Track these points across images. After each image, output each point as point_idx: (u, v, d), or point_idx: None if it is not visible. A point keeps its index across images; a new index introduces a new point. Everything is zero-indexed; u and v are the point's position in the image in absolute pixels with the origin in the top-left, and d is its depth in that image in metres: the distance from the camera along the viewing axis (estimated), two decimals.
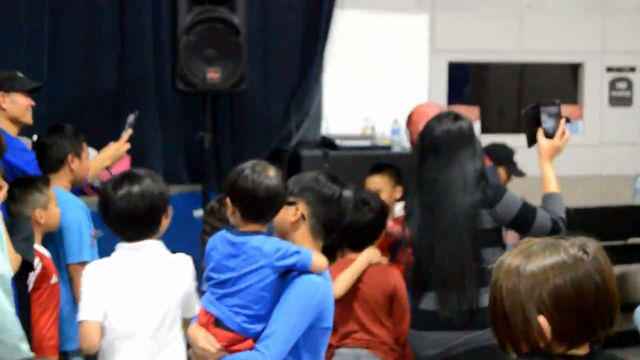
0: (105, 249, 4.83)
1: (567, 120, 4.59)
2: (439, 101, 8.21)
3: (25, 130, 5.70)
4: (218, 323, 3.43)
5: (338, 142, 7.47)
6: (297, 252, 3.37)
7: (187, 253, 4.01)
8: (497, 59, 8.76)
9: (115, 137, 5.65)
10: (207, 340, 3.41)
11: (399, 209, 5.73)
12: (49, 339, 4.49)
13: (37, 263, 4.45)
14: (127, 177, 3.91)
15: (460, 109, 8.43)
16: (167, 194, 3.96)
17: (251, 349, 3.38)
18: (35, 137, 5.26)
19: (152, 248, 3.90)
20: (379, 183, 5.70)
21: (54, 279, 4.58)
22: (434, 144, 4.49)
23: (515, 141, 6.96)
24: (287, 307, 3.37)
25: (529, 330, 2.21)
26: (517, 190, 6.53)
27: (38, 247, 4.56)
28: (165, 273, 3.90)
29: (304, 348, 3.43)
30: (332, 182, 3.53)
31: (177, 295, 3.89)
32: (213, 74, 6.66)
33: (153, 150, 7.13)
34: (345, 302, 4.83)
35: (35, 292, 4.48)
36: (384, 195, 5.55)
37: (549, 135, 4.53)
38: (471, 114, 8.49)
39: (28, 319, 4.37)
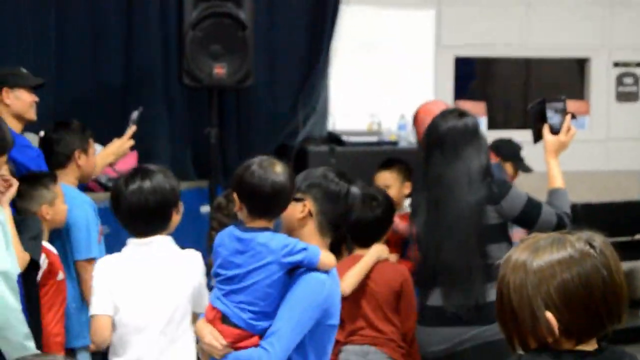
0: (111, 246, 4.84)
1: (573, 116, 4.61)
2: (445, 96, 8.21)
3: (32, 126, 5.71)
4: (225, 319, 3.43)
5: (344, 137, 7.46)
6: (305, 249, 3.37)
7: (194, 249, 4.03)
8: (503, 54, 8.74)
9: (122, 133, 5.66)
10: (213, 336, 3.42)
11: (408, 204, 5.73)
12: (55, 335, 4.50)
13: (43, 259, 4.46)
14: (139, 172, 3.94)
15: (466, 104, 8.43)
16: (178, 189, 3.98)
17: (257, 346, 3.38)
18: (42, 133, 5.27)
19: (162, 244, 3.93)
20: (387, 178, 5.70)
21: (61, 276, 4.59)
22: (440, 140, 4.51)
23: (522, 136, 6.94)
24: (292, 305, 3.37)
25: (536, 325, 2.21)
26: (524, 186, 6.53)
27: (44, 243, 4.57)
28: (175, 268, 3.91)
29: (310, 345, 3.43)
30: (339, 179, 3.54)
31: (186, 291, 3.90)
32: (219, 70, 6.65)
33: (159, 145, 7.13)
34: (353, 299, 4.83)
35: (42, 289, 4.49)
36: (393, 191, 5.55)
37: (555, 131, 4.56)
38: (477, 109, 8.48)
39: (38, 317, 4.38)
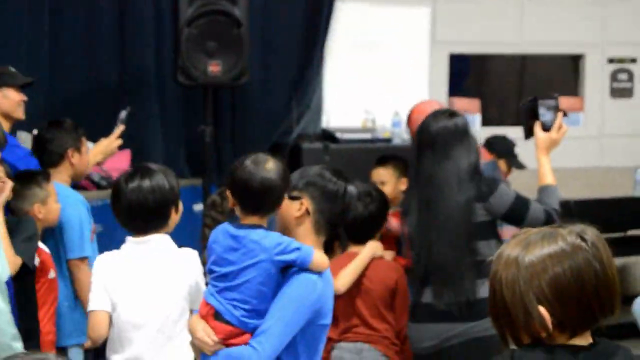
0: (105, 244, 4.84)
1: (565, 114, 4.67)
2: (440, 93, 8.22)
3: (26, 125, 5.71)
4: (217, 315, 3.43)
5: (339, 135, 7.47)
6: (298, 249, 3.37)
7: (187, 247, 4.03)
8: (498, 51, 8.75)
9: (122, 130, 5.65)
10: (205, 332, 3.42)
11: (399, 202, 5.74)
12: (46, 333, 4.49)
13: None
14: (139, 171, 3.97)
15: (461, 101, 8.44)
16: (177, 189, 4.01)
17: (248, 344, 3.38)
18: (35, 132, 5.26)
19: (159, 242, 3.95)
20: (383, 175, 5.71)
21: (52, 274, 4.58)
22: (430, 140, 4.57)
23: (516, 133, 6.93)
24: (283, 304, 3.37)
25: (529, 321, 2.21)
26: (518, 183, 6.54)
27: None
28: (172, 267, 3.93)
29: (301, 344, 3.42)
30: (337, 177, 3.54)
31: (183, 289, 3.91)
32: (214, 67, 6.65)
33: (154, 143, 7.13)
34: (348, 297, 4.84)
35: None
36: (388, 187, 5.56)
37: (547, 128, 4.62)
38: (472, 106, 8.48)
39: (35, 319, 4.39)
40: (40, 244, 4.60)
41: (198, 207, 6.50)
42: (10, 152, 4.83)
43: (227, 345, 3.40)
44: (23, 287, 4.31)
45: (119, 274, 3.93)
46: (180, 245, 4.01)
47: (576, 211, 6.36)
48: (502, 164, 6.97)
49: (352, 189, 3.55)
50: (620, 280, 2.28)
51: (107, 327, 3.93)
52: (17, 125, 5.57)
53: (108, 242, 4.76)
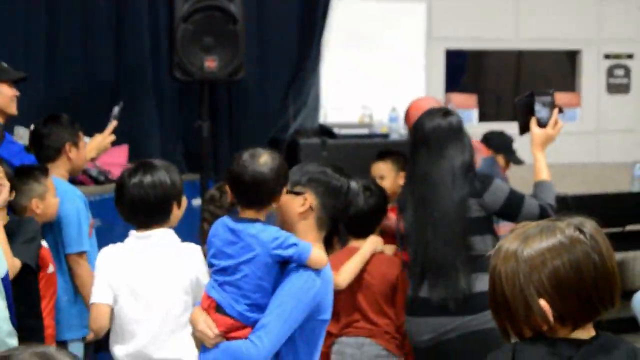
0: (103, 238, 4.84)
1: (560, 110, 4.70)
2: (436, 89, 8.22)
3: (23, 121, 5.70)
4: (219, 308, 3.43)
5: (336, 130, 7.47)
6: (295, 245, 3.36)
7: (186, 242, 4.05)
8: (495, 47, 8.75)
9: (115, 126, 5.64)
10: (206, 324, 3.42)
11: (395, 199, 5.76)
12: (46, 327, 4.50)
13: None
14: (142, 166, 4.01)
15: (457, 96, 8.44)
16: (180, 185, 4.04)
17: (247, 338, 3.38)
18: (32, 127, 5.26)
19: (162, 237, 3.98)
20: (382, 169, 5.71)
21: (51, 269, 4.59)
22: (425, 139, 4.62)
23: (513, 129, 6.92)
24: (282, 300, 3.37)
25: (530, 314, 2.21)
26: (515, 178, 6.55)
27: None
28: (174, 261, 3.96)
29: (300, 339, 3.43)
30: (339, 174, 3.55)
31: (185, 283, 3.93)
32: (211, 63, 6.64)
33: (151, 139, 7.12)
34: (349, 292, 4.85)
35: None
36: (387, 182, 5.56)
37: (542, 124, 4.65)
38: (469, 101, 8.49)
39: (39, 316, 4.40)
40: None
41: (196, 202, 6.50)
42: (5, 148, 4.83)
43: (228, 339, 3.40)
44: (26, 286, 4.33)
45: (121, 268, 3.97)
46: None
47: (573, 207, 6.37)
48: (500, 159, 6.97)
49: (354, 185, 3.57)
50: (618, 275, 2.28)
51: (108, 320, 3.98)
52: (15, 121, 5.56)
53: (106, 236, 4.76)
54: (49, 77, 6.79)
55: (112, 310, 3.98)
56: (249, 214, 3.45)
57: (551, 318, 2.20)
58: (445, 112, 4.69)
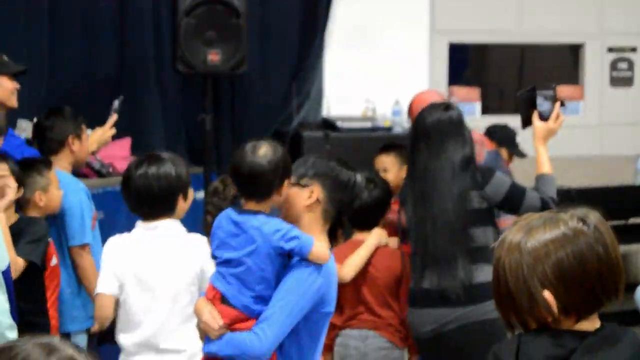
0: (106, 231, 4.85)
1: (562, 104, 4.74)
2: (440, 82, 8.21)
3: (26, 114, 5.70)
4: (224, 300, 3.44)
5: (339, 123, 7.46)
6: (297, 238, 3.36)
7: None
8: (498, 40, 8.74)
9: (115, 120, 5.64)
10: (211, 315, 3.42)
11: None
12: (49, 319, 4.51)
13: None
14: (148, 158, 4.05)
15: (460, 90, 8.43)
16: (186, 177, 4.08)
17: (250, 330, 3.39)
18: (35, 120, 5.26)
19: (168, 227, 4.01)
20: (386, 162, 5.71)
21: (54, 261, 4.60)
22: (425, 133, 4.65)
23: (516, 122, 6.91)
24: (286, 292, 3.37)
25: (534, 306, 2.21)
26: (519, 171, 6.54)
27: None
28: (180, 251, 3.99)
29: (304, 331, 3.43)
30: (345, 167, 3.55)
31: (191, 273, 3.96)
32: (213, 56, 6.64)
33: (153, 132, 7.12)
34: (353, 285, 4.86)
35: None
36: (391, 175, 5.57)
37: (544, 117, 4.69)
38: (472, 95, 8.48)
39: (45, 313, 4.41)
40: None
41: (199, 195, 6.50)
42: (6, 141, 4.84)
43: (232, 330, 3.40)
44: (32, 284, 4.34)
45: (128, 258, 4.00)
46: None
47: (576, 200, 6.37)
48: (503, 152, 6.97)
49: (359, 178, 3.58)
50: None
51: (112, 310, 4.02)
52: (18, 114, 5.57)
53: (109, 229, 4.77)
54: (52, 70, 6.79)
55: (116, 300, 4.01)
56: (252, 205, 3.46)
57: (555, 309, 2.20)
58: (446, 107, 4.71)
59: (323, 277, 3.42)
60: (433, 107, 4.73)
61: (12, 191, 4.32)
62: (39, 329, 4.20)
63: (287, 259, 3.41)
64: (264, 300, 3.39)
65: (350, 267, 4.82)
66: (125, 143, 6.60)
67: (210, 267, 3.82)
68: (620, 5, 8.72)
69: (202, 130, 6.81)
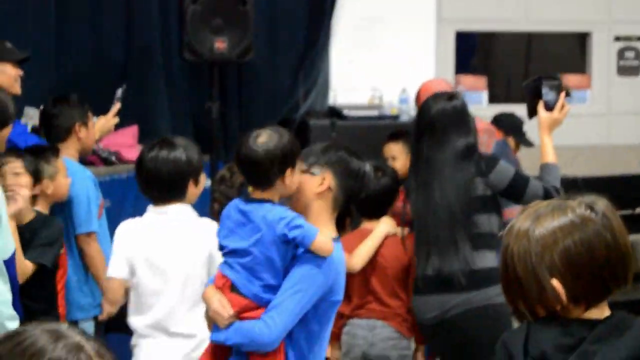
0: (113, 219, 4.85)
1: (567, 94, 4.77)
2: (446, 71, 8.19)
3: (33, 102, 5.70)
4: (233, 288, 3.43)
5: (346, 111, 7.46)
6: (301, 226, 3.35)
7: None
8: (505, 29, 8.71)
9: (123, 107, 5.64)
10: (220, 304, 3.42)
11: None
12: (60, 317, 4.52)
13: None
14: (160, 142, 4.08)
15: (467, 78, 8.41)
16: (197, 163, 4.10)
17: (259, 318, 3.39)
18: (42, 107, 5.26)
19: (179, 212, 4.04)
20: (394, 150, 5.71)
21: (61, 249, 4.60)
22: (430, 122, 4.68)
23: (523, 111, 6.91)
24: (295, 281, 3.37)
25: (543, 294, 2.21)
26: (525, 160, 6.53)
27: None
28: (190, 235, 4.02)
29: (312, 319, 3.44)
30: (355, 157, 3.55)
31: (201, 257, 3.98)
32: (220, 44, 6.63)
33: (161, 120, 7.12)
34: (362, 274, 4.86)
35: None
36: (399, 163, 5.57)
37: (549, 107, 4.71)
38: (478, 83, 8.47)
39: (55, 309, 4.42)
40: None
41: (207, 183, 6.50)
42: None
43: (241, 319, 3.40)
44: (44, 286, 4.34)
45: (139, 241, 4.03)
46: None
47: (583, 189, 6.36)
48: (510, 141, 6.96)
49: (368, 167, 3.58)
50: None
51: (122, 294, 4.09)
52: (25, 101, 5.57)
53: (116, 217, 4.77)
54: (58, 58, 6.79)
55: (126, 284, 4.06)
56: (258, 194, 3.46)
57: (564, 298, 2.19)
58: (450, 96, 4.75)
59: (332, 267, 3.42)
60: (437, 96, 4.77)
61: (21, 198, 4.31)
62: None
63: (295, 248, 3.40)
64: (273, 289, 3.39)
65: (360, 257, 4.82)
66: (132, 131, 6.60)
67: (219, 252, 3.84)
68: None
69: (209, 118, 6.81)
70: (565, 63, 8.86)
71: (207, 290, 3.51)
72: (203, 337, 3.89)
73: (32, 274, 4.28)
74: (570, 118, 4.78)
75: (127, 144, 6.43)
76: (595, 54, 8.76)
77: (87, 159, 5.62)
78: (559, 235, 2.21)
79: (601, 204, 2.25)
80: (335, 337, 4.81)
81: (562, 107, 4.73)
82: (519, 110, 7.30)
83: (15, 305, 3.71)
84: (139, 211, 4.12)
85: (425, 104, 4.77)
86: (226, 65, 7.09)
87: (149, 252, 4.01)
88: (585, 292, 2.21)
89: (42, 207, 4.64)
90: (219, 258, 3.65)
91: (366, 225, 4.97)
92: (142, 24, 7.12)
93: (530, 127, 6.18)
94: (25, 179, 4.38)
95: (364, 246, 4.84)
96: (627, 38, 8.81)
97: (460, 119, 4.68)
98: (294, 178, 3.46)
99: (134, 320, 4.07)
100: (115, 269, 4.07)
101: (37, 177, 4.48)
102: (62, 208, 4.84)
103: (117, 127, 5.75)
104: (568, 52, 9.11)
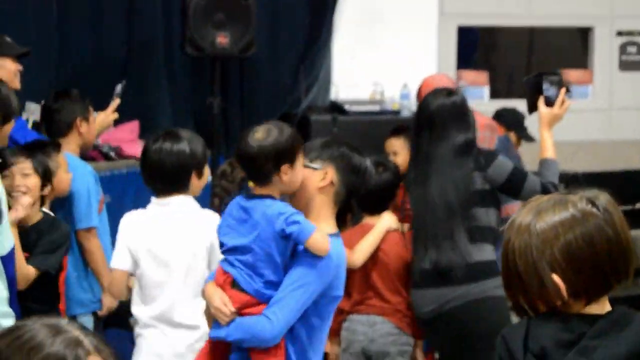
0: (114, 214, 4.85)
1: (568, 90, 4.80)
2: (448, 65, 8.19)
3: (35, 97, 5.70)
4: (235, 284, 3.43)
5: (347, 107, 7.45)
6: (298, 222, 3.35)
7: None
8: (507, 23, 8.71)
9: (124, 102, 5.64)
10: (222, 301, 3.41)
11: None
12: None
13: None
14: (165, 134, 4.10)
15: (469, 73, 8.41)
16: (201, 155, 4.11)
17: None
18: (43, 102, 5.26)
19: (181, 203, 4.05)
20: (395, 145, 5.71)
21: None
22: (429, 118, 4.74)
23: (524, 106, 6.93)
24: (297, 276, 3.37)
25: (544, 289, 2.20)
26: (526, 155, 6.52)
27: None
28: (193, 227, 4.03)
29: (313, 314, 3.44)
30: (357, 153, 3.56)
31: (202, 247, 3.99)
32: (222, 39, 6.63)
33: (162, 115, 7.11)
34: (363, 269, 4.86)
35: None
36: (400, 158, 5.57)
37: (550, 103, 4.73)
38: (480, 78, 8.46)
39: (57, 312, 4.42)
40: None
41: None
42: None
43: (242, 315, 3.40)
44: (46, 289, 4.33)
45: (143, 233, 4.05)
46: None
47: (584, 184, 6.36)
48: (512, 136, 6.96)
49: (369, 163, 3.59)
50: None
51: (125, 286, 4.10)
52: (26, 96, 5.56)
53: (117, 212, 4.77)
54: (60, 53, 6.78)
55: (130, 275, 4.09)
56: (258, 190, 3.46)
57: (565, 293, 2.19)
58: (449, 92, 4.79)
59: (333, 262, 3.42)
60: (437, 92, 4.82)
61: (22, 208, 4.26)
62: None
63: (294, 244, 3.40)
64: (274, 285, 3.39)
65: (361, 252, 4.81)
66: (133, 126, 6.60)
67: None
68: None
69: (210, 114, 6.81)
70: (567, 58, 8.86)
71: (207, 287, 3.51)
72: (207, 329, 3.90)
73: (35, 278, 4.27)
74: (572, 113, 4.79)
75: (128, 139, 6.43)
76: (597, 49, 8.76)
77: (88, 154, 5.62)
78: (560, 230, 2.20)
79: (603, 198, 2.25)
80: (335, 333, 4.81)
81: (563, 102, 4.75)
82: (521, 105, 7.29)
83: (12, 303, 3.71)
84: (139, 206, 4.14)
85: (425, 100, 4.82)
86: (228, 61, 7.09)
87: (152, 243, 4.03)
88: (586, 287, 2.20)
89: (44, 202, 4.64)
90: (219, 249, 3.66)
91: (367, 220, 4.97)
92: (143, 19, 7.11)
93: (530, 122, 6.18)
94: (34, 180, 4.35)
95: (365, 242, 4.84)
96: (629, 33, 8.80)
97: (460, 114, 4.72)
98: (295, 174, 3.44)
99: (138, 311, 4.08)
100: (118, 261, 4.09)
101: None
102: (63, 203, 4.84)
103: (119, 122, 5.75)
104: (570, 47, 9.11)
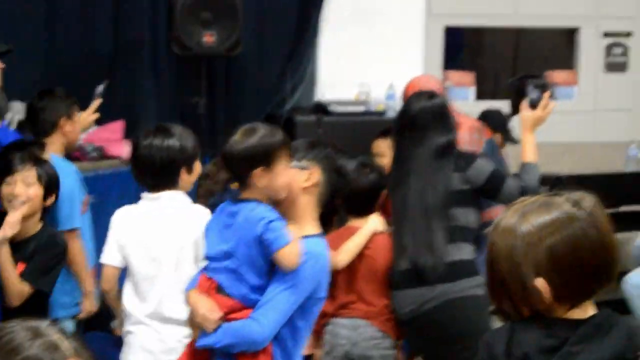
0: (98, 214, 4.83)
1: (551, 95, 4.83)
2: (435, 66, 8.19)
3: (20, 96, 5.68)
4: (220, 289, 3.41)
5: (332, 107, 7.43)
6: (276, 230, 3.33)
7: None
8: (493, 24, 8.72)
9: (109, 102, 5.62)
10: (208, 308, 3.38)
11: None
12: None
13: None
14: (156, 129, 4.11)
15: (455, 74, 8.42)
16: (192, 151, 4.11)
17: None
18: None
19: (171, 198, 4.06)
20: (382, 147, 5.70)
21: None
22: (410, 121, 4.80)
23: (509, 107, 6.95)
24: (285, 278, 3.36)
25: (527, 293, 2.19)
26: (512, 157, 6.52)
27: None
28: (182, 220, 4.03)
29: (298, 316, 3.43)
30: (341, 154, 3.57)
31: (189, 239, 3.98)
32: (209, 38, 6.63)
33: (147, 114, 7.09)
34: (348, 272, 4.82)
35: None
36: (386, 160, 5.56)
37: (533, 106, 4.79)
38: (466, 79, 8.47)
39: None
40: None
41: None
42: None
43: (228, 320, 3.38)
44: (39, 305, 4.27)
45: (132, 228, 4.07)
46: None
47: (568, 186, 6.36)
48: (497, 138, 6.96)
49: (351, 165, 3.60)
50: None
51: (115, 281, 4.10)
52: (12, 95, 5.54)
53: (101, 212, 4.75)
54: (46, 52, 6.77)
55: (120, 271, 4.10)
56: (243, 193, 3.44)
57: (548, 296, 2.18)
58: (431, 95, 4.84)
59: (319, 264, 3.42)
60: (418, 95, 4.89)
61: (9, 227, 4.12)
62: None
63: None
64: (259, 289, 3.37)
65: (345, 253, 4.78)
66: (118, 126, 6.58)
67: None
68: None
69: (195, 113, 6.79)
70: (553, 59, 8.87)
71: (191, 296, 3.47)
72: None
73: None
74: (557, 114, 4.80)
75: (113, 139, 6.41)
76: (583, 50, 8.77)
77: (72, 154, 5.60)
78: (544, 233, 2.19)
79: (588, 200, 2.24)
80: (316, 335, 4.78)
81: (546, 105, 4.78)
82: (506, 106, 7.30)
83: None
84: (142, 193, 4.14)
85: (408, 102, 4.90)
86: (214, 60, 7.07)
87: (143, 238, 4.05)
88: (570, 290, 2.19)
89: None
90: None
91: (353, 222, 4.93)
92: (130, 18, 7.09)
93: (515, 124, 6.18)
94: (36, 190, 4.27)
95: (351, 242, 4.82)
96: (615, 34, 8.82)
97: (441, 117, 4.77)
98: (274, 177, 3.39)
99: (132, 307, 4.07)
100: (107, 256, 4.11)
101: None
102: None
103: (103, 121, 5.74)
104: (556, 48, 9.12)
